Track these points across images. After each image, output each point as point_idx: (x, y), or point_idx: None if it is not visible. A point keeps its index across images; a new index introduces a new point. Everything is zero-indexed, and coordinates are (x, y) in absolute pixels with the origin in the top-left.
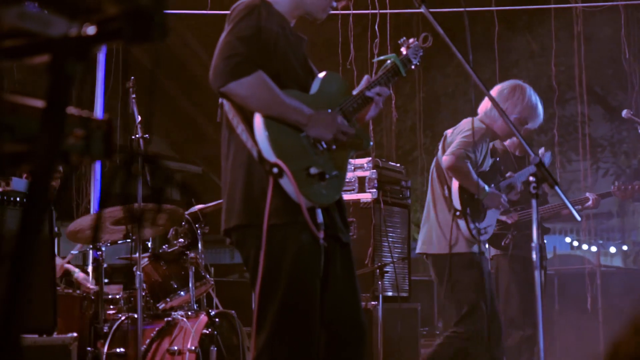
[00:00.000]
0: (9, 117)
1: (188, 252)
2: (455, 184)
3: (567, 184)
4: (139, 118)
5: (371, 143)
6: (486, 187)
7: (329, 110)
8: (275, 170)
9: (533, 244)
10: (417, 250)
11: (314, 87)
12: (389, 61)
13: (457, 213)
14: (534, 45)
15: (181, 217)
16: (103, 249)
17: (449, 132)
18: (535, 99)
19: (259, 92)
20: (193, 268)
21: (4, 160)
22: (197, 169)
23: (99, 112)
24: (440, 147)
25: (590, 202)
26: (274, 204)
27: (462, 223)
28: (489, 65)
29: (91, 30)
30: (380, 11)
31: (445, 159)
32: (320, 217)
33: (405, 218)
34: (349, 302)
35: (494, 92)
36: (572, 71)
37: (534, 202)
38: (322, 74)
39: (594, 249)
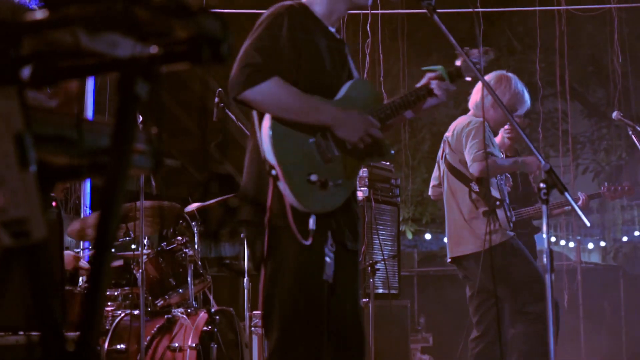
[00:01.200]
0: (72, 131)
1: (186, 249)
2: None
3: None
4: (140, 118)
5: (392, 152)
6: (518, 159)
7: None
8: (273, 172)
9: (544, 248)
10: (451, 256)
11: (340, 93)
12: (435, 73)
13: (497, 203)
14: (515, 42)
15: (180, 215)
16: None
17: (448, 135)
18: (521, 86)
19: (276, 97)
20: (192, 265)
21: (66, 172)
22: (177, 163)
23: (89, 110)
24: (446, 151)
25: (580, 203)
26: (277, 206)
27: (500, 212)
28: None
29: (159, 51)
30: (372, 11)
31: (472, 168)
32: (312, 224)
33: (395, 216)
34: (350, 309)
35: (479, 85)
36: (552, 67)
37: (544, 207)
38: (352, 80)
39: (571, 244)
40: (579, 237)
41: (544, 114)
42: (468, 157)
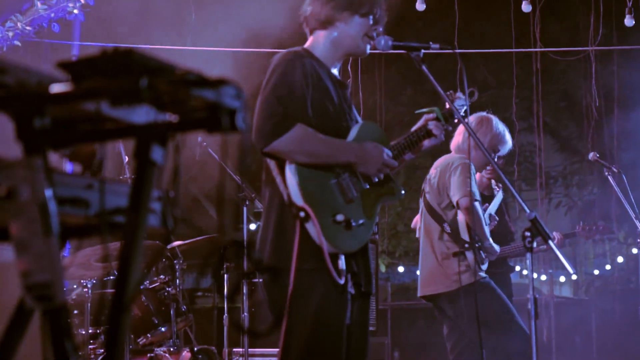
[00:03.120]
0: (87, 192)
1: (169, 288)
2: (461, 217)
3: (518, 213)
4: (127, 158)
5: (403, 192)
6: (489, 240)
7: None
8: (302, 214)
9: (529, 296)
10: (420, 294)
11: (351, 135)
12: (431, 114)
13: (466, 245)
14: (490, 78)
15: (162, 254)
16: (89, 285)
17: (432, 172)
18: (502, 127)
19: (304, 144)
20: (174, 304)
21: (80, 231)
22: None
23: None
24: (426, 190)
25: (554, 242)
26: (302, 249)
27: (469, 254)
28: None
29: (176, 118)
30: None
31: (462, 201)
32: (342, 264)
33: (373, 253)
34: (359, 352)
35: (462, 127)
36: (525, 102)
37: (528, 255)
38: (360, 123)
39: (543, 277)
40: (550, 271)
41: (516, 148)
42: (457, 191)
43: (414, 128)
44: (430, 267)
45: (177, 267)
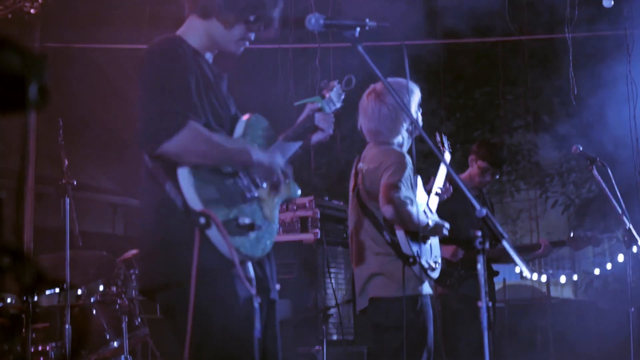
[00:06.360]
0: None
1: (120, 300)
2: (400, 231)
3: (516, 213)
4: (67, 162)
5: (299, 192)
6: (429, 222)
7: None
8: (202, 220)
9: (481, 304)
10: (360, 308)
11: (238, 130)
12: (315, 104)
13: (411, 260)
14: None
15: (112, 265)
16: (35, 299)
17: (362, 167)
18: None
19: (196, 145)
20: (126, 317)
21: None
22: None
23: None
24: (359, 185)
25: (540, 250)
26: (200, 259)
27: (415, 268)
28: (434, 94)
29: None
30: (322, 45)
31: (385, 209)
32: (251, 272)
33: (349, 258)
34: None
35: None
36: (520, 100)
37: (479, 257)
38: (246, 117)
39: (543, 278)
40: (550, 271)
41: (514, 146)
42: (382, 197)
43: (299, 119)
44: (367, 270)
45: (132, 277)
